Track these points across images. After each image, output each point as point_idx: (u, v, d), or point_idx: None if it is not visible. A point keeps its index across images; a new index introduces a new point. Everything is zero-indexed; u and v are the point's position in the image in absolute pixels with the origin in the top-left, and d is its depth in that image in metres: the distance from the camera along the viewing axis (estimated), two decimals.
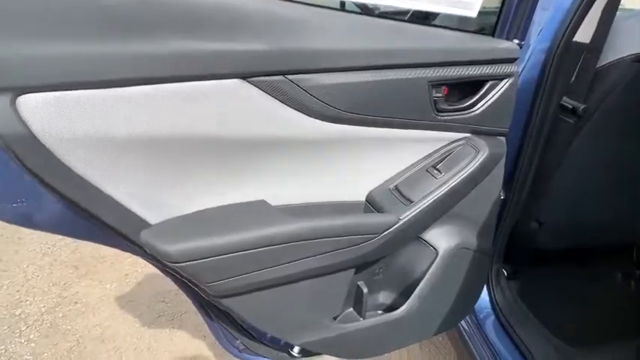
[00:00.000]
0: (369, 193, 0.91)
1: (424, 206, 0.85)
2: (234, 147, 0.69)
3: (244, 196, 0.76)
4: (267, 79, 0.64)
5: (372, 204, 0.90)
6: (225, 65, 0.62)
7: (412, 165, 0.91)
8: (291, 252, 0.72)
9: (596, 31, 1.00)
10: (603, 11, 0.97)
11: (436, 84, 0.81)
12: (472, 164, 0.87)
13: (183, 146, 0.64)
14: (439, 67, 0.80)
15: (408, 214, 0.84)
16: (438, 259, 0.97)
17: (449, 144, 0.92)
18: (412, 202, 0.86)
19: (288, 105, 0.67)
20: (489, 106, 0.88)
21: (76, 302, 1.96)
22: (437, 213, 0.90)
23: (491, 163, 0.91)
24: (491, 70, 0.85)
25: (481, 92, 0.87)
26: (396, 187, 0.90)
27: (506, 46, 0.86)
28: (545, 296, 1.43)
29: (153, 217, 0.67)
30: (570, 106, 1.11)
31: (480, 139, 0.91)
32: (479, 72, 0.84)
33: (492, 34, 0.90)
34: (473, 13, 0.82)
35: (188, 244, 0.63)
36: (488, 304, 1.33)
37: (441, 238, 0.97)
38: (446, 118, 0.86)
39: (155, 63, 0.57)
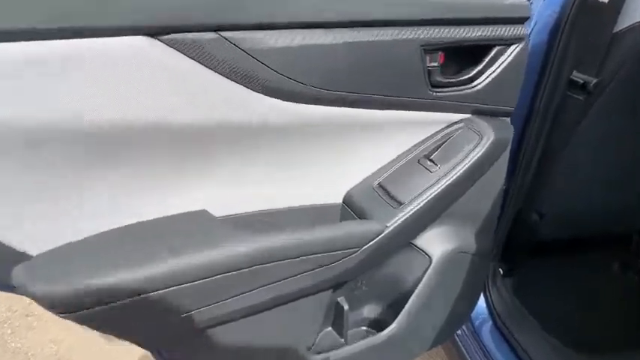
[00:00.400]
0: (348, 193, 0.72)
1: (416, 208, 0.67)
2: (148, 137, 0.48)
3: (176, 205, 0.55)
4: (189, 37, 0.43)
5: (351, 207, 0.71)
6: (127, 15, 0.40)
7: (400, 156, 0.73)
8: (241, 282, 0.53)
9: None
10: None
11: (430, 49, 0.62)
12: (475, 153, 0.69)
13: (68, 137, 0.43)
14: (434, 26, 0.60)
15: (397, 220, 0.66)
16: (431, 267, 0.81)
17: (445, 128, 0.74)
18: (401, 203, 0.68)
19: (223, 75, 0.46)
20: (495, 78, 0.70)
21: (27, 315, 1.72)
22: (432, 215, 0.72)
23: (497, 151, 0.73)
24: (497, 33, 0.67)
25: (485, 61, 0.69)
26: (381, 185, 0.71)
27: (514, 1, 0.67)
28: (543, 295, 1.32)
29: (34, 247, 0.46)
30: (580, 81, 0.94)
31: (483, 120, 0.73)
32: (483, 34, 0.65)
33: None
34: None
35: (76, 285, 0.42)
36: (484, 305, 1.21)
37: (435, 243, 0.80)
38: (442, 94, 0.67)
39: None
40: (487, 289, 1.18)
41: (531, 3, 0.71)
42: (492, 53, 0.69)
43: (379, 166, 0.74)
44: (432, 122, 0.72)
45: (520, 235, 1.23)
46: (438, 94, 0.67)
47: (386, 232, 0.66)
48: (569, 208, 1.24)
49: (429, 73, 0.64)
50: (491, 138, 0.70)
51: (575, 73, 0.95)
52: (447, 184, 0.68)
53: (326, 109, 0.57)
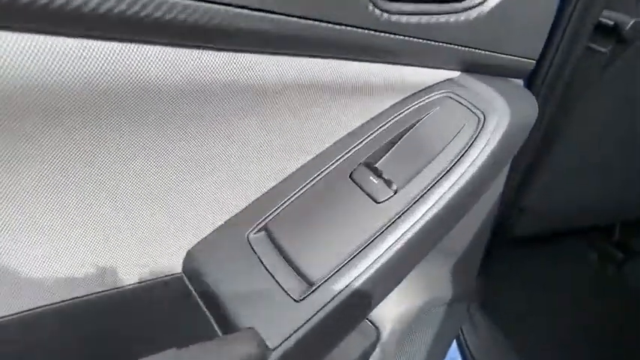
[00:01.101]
0: (189, 254, 0.34)
1: (346, 294, 0.30)
2: None
3: None
4: None
5: (205, 297, 0.33)
6: None
7: (311, 166, 0.35)
8: None
9: None
10: None
11: None
12: (472, 154, 0.33)
13: None
14: None
15: (305, 327, 0.29)
16: (381, 341, 0.47)
17: (405, 100, 0.36)
18: (313, 284, 0.31)
19: None
20: None
21: None
22: (384, 288, 0.36)
23: (511, 147, 0.38)
24: None
25: None
26: (270, 235, 0.34)
27: None
28: (513, 309, 1.09)
29: None
30: (612, 23, 0.61)
31: (486, 85, 0.36)
32: None
33: None
34: None
35: None
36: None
37: (389, 306, 0.46)
38: (400, 20, 0.29)
39: None
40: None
41: None
42: None
43: (268, 188, 0.35)
44: (379, 87, 0.34)
45: (495, 235, 0.95)
46: (393, 17, 0.29)
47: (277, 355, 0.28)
48: (553, 201, 0.98)
49: None
50: (506, 121, 0.34)
51: (606, 12, 0.61)
52: (415, 227, 0.31)
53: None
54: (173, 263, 0.36)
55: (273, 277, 0.32)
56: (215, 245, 0.35)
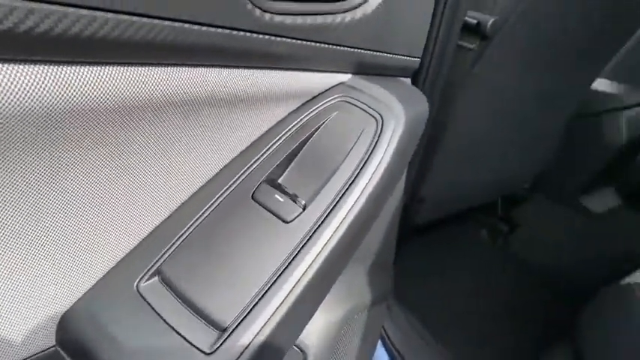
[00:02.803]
0: (63, 320, 0.28)
1: (266, 332, 0.26)
2: None
3: None
4: None
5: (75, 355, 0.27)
6: None
7: (209, 193, 0.31)
8: None
9: None
10: None
11: None
12: (375, 157, 0.31)
13: None
14: None
15: None
16: None
17: (302, 107, 0.34)
18: (225, 330, 0.27)
19: None
20: None
21: None
22: (306, 309, 0.33)
23: (410, 146, 0.38)
24: None
25: None
26: (164, 280, 0.28)
27: None
28: (424, 294, 1.15)
29: None
30: (475, 21, 0.67)
31: (379, 86, 0.36)
32: None
33: None
34: None
35: None
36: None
37: (314, 326, 0.43)
38: (288, 19, 0.26)
39: None
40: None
41: None
42: None
43: (154, 226, 0.30)
44: (272, 96, 0.31)
45: (401, 229, 0.99)
46: (277, 18, 0.26)
47: None
48: (447, 188, 1.06)
49: None
50: (402, 120, 0.33)
51: (470, 12, 0.67)
52: (331, 242, 0.29)
53: None
54: (46, 334, 0.28)
55: (175, 330, 0.27)
56: (96, 304, 0.28)
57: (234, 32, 0.24)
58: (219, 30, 0.24)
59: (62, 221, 0.25)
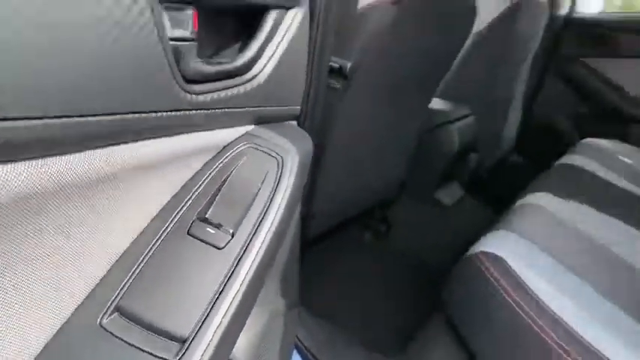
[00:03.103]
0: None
1: (215, 342, 0.34)
2: None
3: None
4: None
5: None
6: None
7: (149, 234, 0.37)
8: None
9: None
10: None
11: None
12: (282, 188, 0.42)
13: None
14: None
15: None
16: None
17: (217, 157, 0.42)
18: (184, 341, 0.34)
19: None
20: (280, 63, 0.43)
21: None
22: (238, 324, 0.41)
23: (304, 175, 0.48)
24: None
25: (263, 35, 0.41)
26: (121, 310, 0.34)
27: None
28: (327, 297, 1.27)
29: None
30: (338, 65, 0.82)
31: (274, 132, 0.46)
32: None
33: None
34: None
35: None
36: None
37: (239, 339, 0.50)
38: (205, 98, 0.35)
39: None
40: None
41: None
42: (270, 21, 0.41)
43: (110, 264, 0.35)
44: (196, 151, 0.39)
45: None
46: (199, 97, 0.34)
47: None
48: (332, 202, 1.21)
49: (178, 53, 0.31)
50: (297, 158, 0.44)
51: (333, 58, 0.82)
52: (256, 260, 0.38)
53: None
54: None
55: (142, 350, 0.32)
56: (61, 348, 0.31)
57: (164, 113, 0.31)
58: (152, 114, 0.30)
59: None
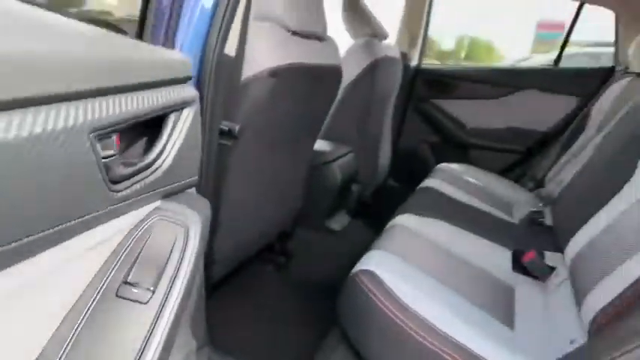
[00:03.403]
0: None
1: None
2: None
3: None
4: None
5: None
6: None
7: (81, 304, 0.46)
8: None
9: (239, 42, 0.86)
10: (243, 20, 0.84)
11: (104, 134, 0.40)
12: (190, 250, 0.53)
13: None
14: (103, 97, 0.39)
15: None
16: None
17: (133, 231, 0.52)
18: None
19: None
20: (179, 151, 0.56)
21: None
22: None
23: (204, 235, 0.60)
24: (169, 97, 0.53)
25: (165, 135, 0.53)
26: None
27: (178, 58, 0.55)
28: (222, 329, 1.33)
29: None
30: (227, 128, 0.96)
31: (177, 203, 0.58)
32: (159, 101, 0.49)
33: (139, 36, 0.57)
34: None
35: None
36: None
37: None
38: (126, 191, 0.46)
39: None
40: None
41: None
42: (170, 123, 0.54)
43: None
44: (116, 231, 0.49)
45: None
46: (122, 192, 0.45)
47: None
48: (235, 245, 1.28)
49: (107, 168, 0.42)
50: (199, 223, 0.56)
51: (223, 122, 0.95)
52: (174, 310, 0.49)
53: None
54: None
55: None
56: None
57: (95, 213, 0.41)
58: (86, 216, 0.40)
59: None
